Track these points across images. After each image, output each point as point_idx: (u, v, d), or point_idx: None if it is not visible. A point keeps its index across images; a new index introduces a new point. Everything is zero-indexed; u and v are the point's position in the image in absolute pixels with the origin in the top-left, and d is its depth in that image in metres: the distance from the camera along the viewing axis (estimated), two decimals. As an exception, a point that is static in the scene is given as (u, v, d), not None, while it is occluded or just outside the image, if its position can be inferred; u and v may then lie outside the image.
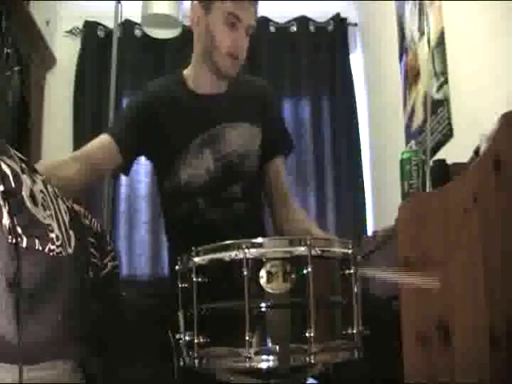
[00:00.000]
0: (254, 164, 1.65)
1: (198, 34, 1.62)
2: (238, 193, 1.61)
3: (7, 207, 1.05)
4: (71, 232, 1.28)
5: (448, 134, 2.11)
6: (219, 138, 1.60)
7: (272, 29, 3.54)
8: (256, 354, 1.08)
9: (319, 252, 1.14)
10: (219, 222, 1.58)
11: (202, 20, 1.59)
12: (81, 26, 3.48)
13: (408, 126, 2.61)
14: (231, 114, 1.63)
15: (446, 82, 2.13)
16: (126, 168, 1.65)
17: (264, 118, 1.68)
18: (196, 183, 1.59)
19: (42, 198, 1.20)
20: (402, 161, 1.74)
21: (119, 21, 2.91)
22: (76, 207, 1.41)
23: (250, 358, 1.08)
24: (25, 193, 1.13)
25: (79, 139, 3.34)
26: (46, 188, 1.26)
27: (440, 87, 2.17)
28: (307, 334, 1.08)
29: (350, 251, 1.19)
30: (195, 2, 1.62)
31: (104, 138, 1.58)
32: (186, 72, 1.68)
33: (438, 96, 2.18)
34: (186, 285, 1.19)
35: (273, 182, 1.70)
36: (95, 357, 1.51)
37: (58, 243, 1.19)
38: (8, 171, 1.10)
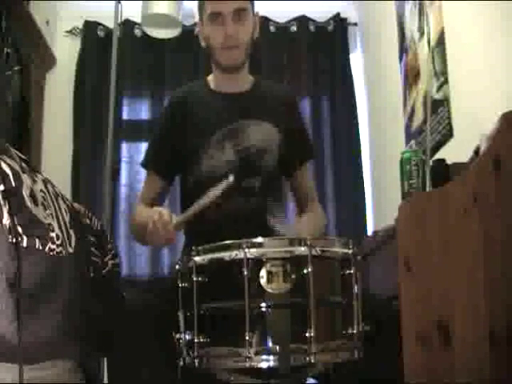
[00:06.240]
0: (272, 161, 1.71)
1: (204, 43, 1.75)
2: (255, 187, 1.67)
3: (8, 206, 1.05)
4: (72, 231, 1.28)
5: (448, 134, 2.11)
6: (239, 132, 1.69)
7: (272, 29, 3.53)
8: (256, 353, 1.08)
9: (319, 252, 1.14)
10: (235, 214, 1.63)
11: (202, 30, 1.74)
12: (81, 26, 3.48)
13: (408, 126, 2.61)
14: (252, 112, 1.72)
15: (446, 81, 2.12)
16: (172, 182, 1.83)
17: (287, 124, 1.75)
18: (217, 175, 1.65)
19: (43, 197, 1.20)
20: (401, 161, 1.74)
21: (119, 21, 2.90)
22: (76, 206, 1.42)
23: (250, 357, 1.08)
24: (25, 192, 1.13)
25: (79, 139, 3.35)
26: (47, 187, 1.26)
27: (440, 87, 2.17)
28: (307, 334, 1.08)
29: (350, 251, 1.20)
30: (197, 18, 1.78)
31: (151, 177, 1.78)
32: (209, 77, 1.82)
33: (438, 96, 2.18)
34: (186, 284, 1.19)
35: (296, 189, 1.84)
36: (97, 356, 1.51)
37: (59, 242, 1.19)
38: (8, 170, 1.10)
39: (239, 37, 1.67)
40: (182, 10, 3.22)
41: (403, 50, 2.71)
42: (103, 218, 2.51)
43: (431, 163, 1.67)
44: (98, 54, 3.40)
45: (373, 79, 3.41)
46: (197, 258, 1.17)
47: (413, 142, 2.51)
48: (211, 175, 1.66)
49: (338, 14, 3.59)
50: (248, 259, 1.11)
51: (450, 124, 2.10)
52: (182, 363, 1.18)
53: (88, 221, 1.45)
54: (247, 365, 1.09)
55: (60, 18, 3.48)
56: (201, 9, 1.73)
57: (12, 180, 1.10)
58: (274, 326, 1.10)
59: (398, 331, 1.19)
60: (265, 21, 3.44)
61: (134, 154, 3.39)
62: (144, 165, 1.81)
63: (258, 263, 1.11)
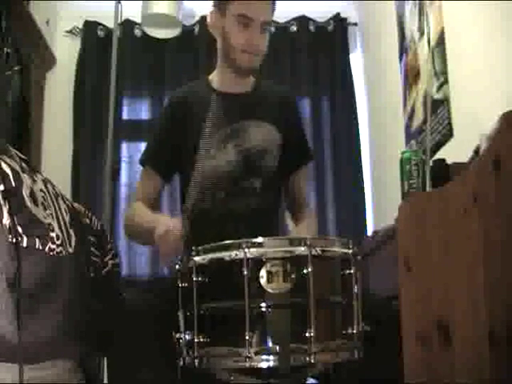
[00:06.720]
0: (272, 161, 1.71)
1: (217, 37, 1.73)
2: (256, 188, 1.68)
3: (8, 206, 1.05)
4: (72, 231, 1.28)
5: (448, 134, 2.11)
6: (241, 132, 1.69)
7: (272, 28, 3.53)
8: (256, 353, 1.08)
9: (319, 252, 1.14)
10: (235, 214, 1.64)
11: (218, 24, 1.71)
12: (81, 26, 3.48)
13: (408, 126, 2.61)
14: (253, 113, 1.73)
15: (446, 81, 2.13)
16: (169, 180, 1.83)
17: (286, 125, 1.75)
18: (218, 174, 1.67)
19: (43, 197, 1.20)
20: (401, 161, 1.74)
21: (119, 21, 2.90)
22: (76, 206, 1.42)
23: (250, 357, 1.08)
24: (25, 192, 1.13)
25: (79, 139, 3.35)
26: (47, 187, 1.26)
27: (440, 87, 2.17)
28: (307, 334, 1.08)
29: (350, 251, 1.20)
30: (212, 9, 1.74)
31: (150, 175, 1.75)
32: (211, 76, 1.81)
33: (438, 96, 2.18)
34: (186, 284, 1.19)
35: (292, 192, 1.82)
36: (97, 355, 1.51)
37: (59, 242, 1.19)
38: (8, 170, 1.10)
39: (261, 46, 1.68)
40: (182, 10, 3.22)
41: (403, 49, 2.71)
42: (103, 218, 2.51)
43: (431, 163, 1.67)
44: (98, 54, 3.40)
45: (373, 79, 3.41)
46: (197, 258, 1.17)
47: (413, 141, 2.51)
48: (213, 175, 1.67)
49: (338, 14, 3.59)
50: (248, 259, 1.11)
51: (450, 124, 2.10)
52: (181, 363, 1.18)
53: (88, 221, 1.45)
54: (247, 365, 1.09)
55: (60, 18, 3.48)
56: (223, 3, 1.69)
57: (12, 180, 1.10)
58: (274, 325, 1.10)
59: (397, 331, 1.19)
60: (265, 21, 3.44)
61: (133, 153, 3.39)
62: (142, 162, 1.79)
63: (257, 263, 1.11)
